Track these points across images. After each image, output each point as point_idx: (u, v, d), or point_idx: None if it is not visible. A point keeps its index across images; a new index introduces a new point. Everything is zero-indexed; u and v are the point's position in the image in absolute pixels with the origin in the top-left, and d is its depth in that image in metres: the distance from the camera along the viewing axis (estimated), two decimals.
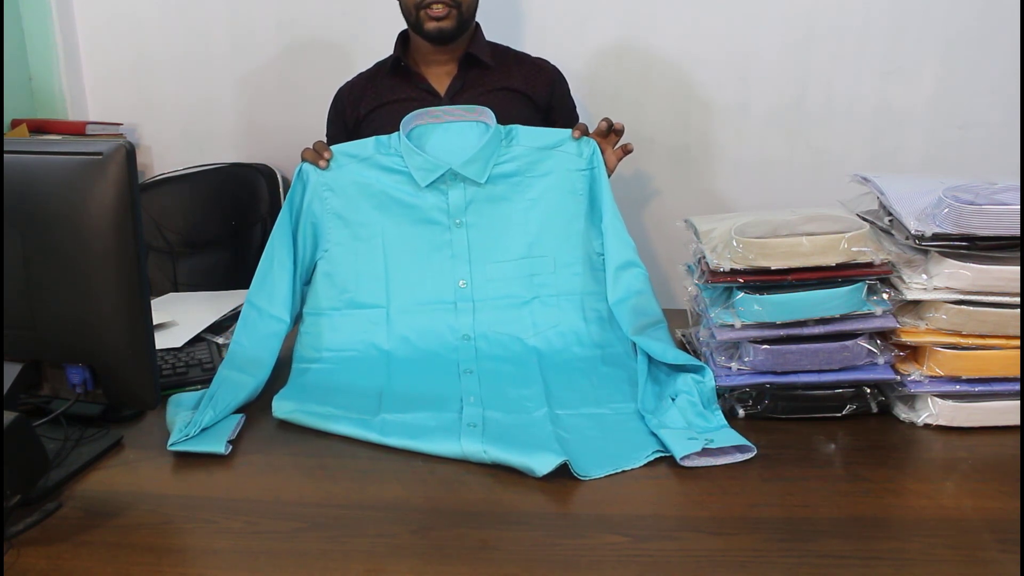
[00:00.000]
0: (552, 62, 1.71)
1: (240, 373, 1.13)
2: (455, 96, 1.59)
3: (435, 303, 1.29)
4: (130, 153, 0.86)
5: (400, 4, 1.59)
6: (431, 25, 1.54)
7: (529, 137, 1.33)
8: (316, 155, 1.30)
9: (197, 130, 2.21)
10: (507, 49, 1.71)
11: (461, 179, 1.30)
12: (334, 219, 1.31)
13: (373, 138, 1.32)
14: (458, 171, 1.29)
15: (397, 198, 1.31)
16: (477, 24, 1.65)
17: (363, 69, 1.70)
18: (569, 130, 1.33)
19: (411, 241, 1.31)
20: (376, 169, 1.31)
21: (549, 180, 1.32)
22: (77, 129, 2.04)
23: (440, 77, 1.62)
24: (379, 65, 1.70)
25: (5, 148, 0.89)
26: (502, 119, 1.34)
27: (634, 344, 1.20)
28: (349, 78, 1.70)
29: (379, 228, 1.31)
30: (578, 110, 1.75)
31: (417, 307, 1.29)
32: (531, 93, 1.63)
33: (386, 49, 1.69)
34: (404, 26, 1.65)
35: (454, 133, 1.33)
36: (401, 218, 1.31)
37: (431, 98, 1.59)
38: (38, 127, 2.03)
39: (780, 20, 1.99)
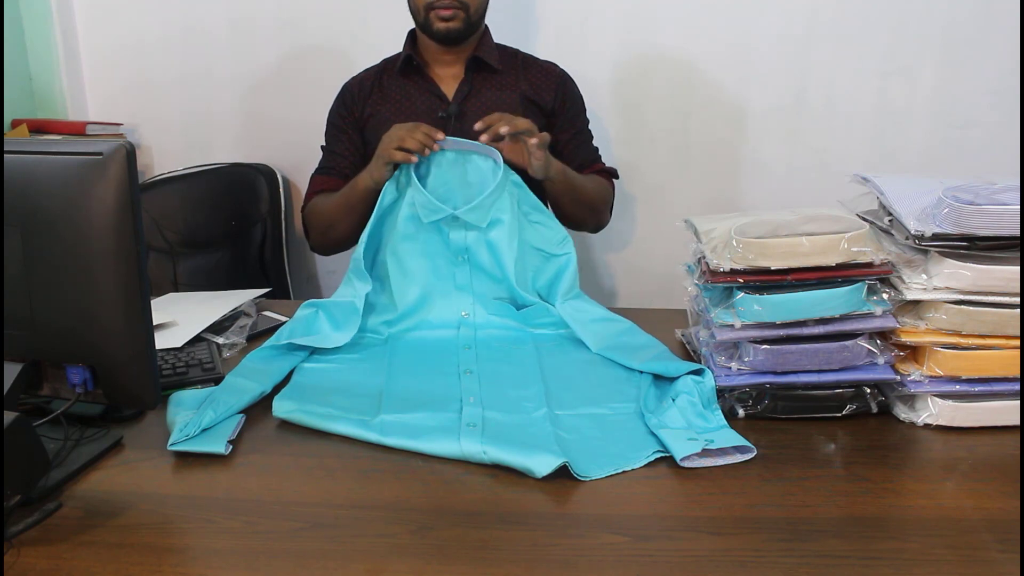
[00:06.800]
0: (559, 64, 1.71)
1: (246, 380, 1.14)
2: (463, 100, 1.59)
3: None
4: (130, 153, 0.86)
5: (409, 3, 1.59)
6: (440, 25, 1.55)
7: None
8: (427, 137, 1.33)
9: (197, 130, 2.21)
10: (515, 52, 1.70)
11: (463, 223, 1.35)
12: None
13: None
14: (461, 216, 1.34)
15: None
16: (486, 26, 1.65)
17: (363, 69, 1.70)
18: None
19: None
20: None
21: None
22: (77, 129, 2.04)
23: (447, 80, 1.62)
24: (387, 62, 1.68)
25: (5, 148, 0.89)
26: None
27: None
28: (349, 77, 1.69)
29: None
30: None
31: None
32: (537, 99, 1.63)
33: (386, 49, 1.69)
34: (405, 26, 1.65)
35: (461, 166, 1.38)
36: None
37: (438, 101, 1.59)
38: (38, 127, 2.02)
39: (780, 20, 1.99)
